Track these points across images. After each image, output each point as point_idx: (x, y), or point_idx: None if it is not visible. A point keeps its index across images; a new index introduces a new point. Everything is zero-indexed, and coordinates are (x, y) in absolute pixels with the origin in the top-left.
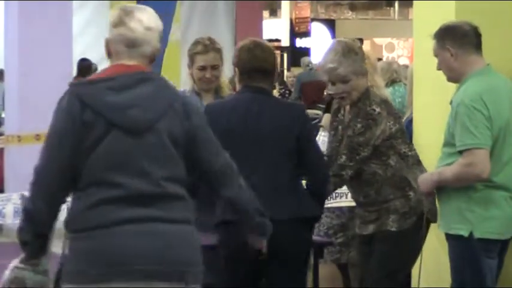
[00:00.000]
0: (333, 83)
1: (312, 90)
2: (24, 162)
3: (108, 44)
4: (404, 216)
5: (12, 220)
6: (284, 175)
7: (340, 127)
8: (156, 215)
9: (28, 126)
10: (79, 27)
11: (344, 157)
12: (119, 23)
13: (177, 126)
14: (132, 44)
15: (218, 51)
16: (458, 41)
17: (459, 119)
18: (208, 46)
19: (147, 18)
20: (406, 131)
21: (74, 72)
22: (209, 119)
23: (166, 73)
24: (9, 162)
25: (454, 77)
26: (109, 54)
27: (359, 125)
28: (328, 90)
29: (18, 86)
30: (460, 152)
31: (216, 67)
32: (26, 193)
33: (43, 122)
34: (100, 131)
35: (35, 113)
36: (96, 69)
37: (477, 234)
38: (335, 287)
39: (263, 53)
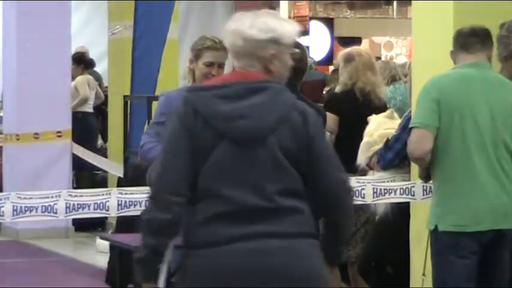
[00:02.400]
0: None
1: (311, 89)
2: (23, 161)
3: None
4: None
5: (11, 219)
6: None
7: None
8: (267, 230)
9: (27, 125)
10: (77, 26)
11: None
12: (234, 29)
13: (291, 139)
14: (242, 52)
15: (226, 51)
16: (453, 41)
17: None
18: (218, 43)
19: (262, 25)
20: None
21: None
22: None
23: (164, 72)
24: (7, 161)
25: None
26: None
27: None
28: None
29: (16, 84)
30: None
31: (222, 66)
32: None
33: (42, 120)
34: (209, 141)
35: (33, 112)
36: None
37: (441, 228)
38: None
39: (301, 52)
